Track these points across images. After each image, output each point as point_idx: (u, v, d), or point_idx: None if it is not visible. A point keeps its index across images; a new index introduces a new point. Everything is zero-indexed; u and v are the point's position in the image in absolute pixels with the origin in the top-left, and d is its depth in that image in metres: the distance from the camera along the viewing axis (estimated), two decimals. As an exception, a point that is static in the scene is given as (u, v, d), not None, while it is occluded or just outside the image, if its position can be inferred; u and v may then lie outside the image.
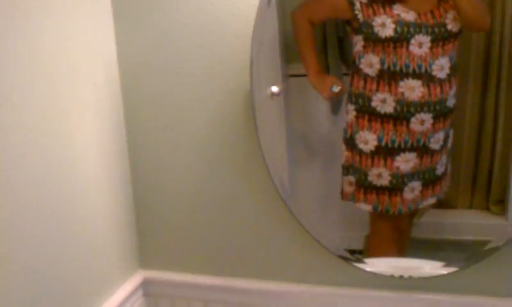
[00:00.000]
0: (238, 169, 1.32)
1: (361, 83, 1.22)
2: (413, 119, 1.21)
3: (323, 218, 1.32)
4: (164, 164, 1.37)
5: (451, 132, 1.26)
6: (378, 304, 1.28)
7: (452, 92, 1.23)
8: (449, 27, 1.20)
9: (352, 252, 1.30)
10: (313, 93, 1.27)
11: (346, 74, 1.26)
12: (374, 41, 1.20)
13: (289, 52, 1.28)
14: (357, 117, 1.24)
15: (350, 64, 1.24)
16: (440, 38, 1.20)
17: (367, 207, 1.28)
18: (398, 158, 1.24)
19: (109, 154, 1.30)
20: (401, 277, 1.25)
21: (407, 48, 1.20)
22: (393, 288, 1.26)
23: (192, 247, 1.40)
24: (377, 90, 1.21)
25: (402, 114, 1.21)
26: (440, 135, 1.23)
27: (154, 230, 1.42)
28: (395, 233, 1.32)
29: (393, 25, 1.20)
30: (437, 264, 1.24)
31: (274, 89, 1.24)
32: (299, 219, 1.28)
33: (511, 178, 1.26)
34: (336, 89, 1.24)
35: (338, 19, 1.26)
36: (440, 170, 1.26)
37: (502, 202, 1.29)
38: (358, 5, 1.20)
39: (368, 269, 1.28)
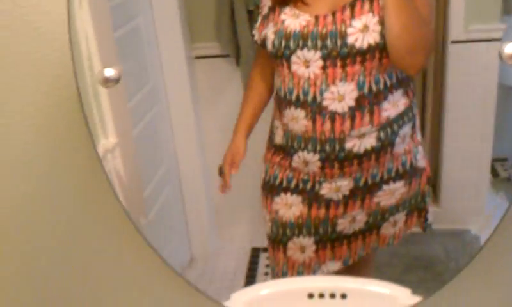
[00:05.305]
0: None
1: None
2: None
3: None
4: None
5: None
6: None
7: (356, 132, 0.93)
8: (350, 39, 0.89)
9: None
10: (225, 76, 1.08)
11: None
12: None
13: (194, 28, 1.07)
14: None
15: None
16: (337, 55, 0.90)
17: None
18: None
19: None
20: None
21: (289, 67, 0.93)
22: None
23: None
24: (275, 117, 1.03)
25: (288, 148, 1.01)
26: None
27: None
28: None
29: (272, 37, 0.94)
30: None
31: (108, 72, 0.89)
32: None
33: (441, 161, 1.14)
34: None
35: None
36: None
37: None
38: (258, 22, 0.98)
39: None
